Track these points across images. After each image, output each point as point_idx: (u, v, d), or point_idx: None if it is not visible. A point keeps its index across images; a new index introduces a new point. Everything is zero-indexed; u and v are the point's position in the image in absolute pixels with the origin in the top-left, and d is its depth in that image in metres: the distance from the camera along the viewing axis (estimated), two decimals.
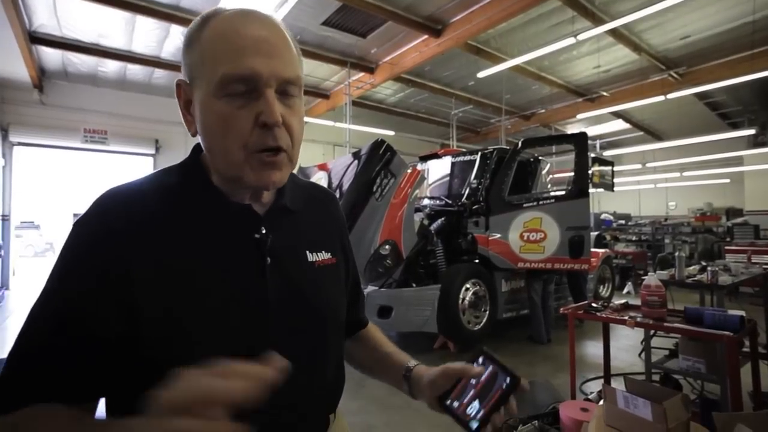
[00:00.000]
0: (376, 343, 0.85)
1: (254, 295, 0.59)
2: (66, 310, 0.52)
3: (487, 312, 4.35)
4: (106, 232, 0.54)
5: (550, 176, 5.74)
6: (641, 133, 12.75)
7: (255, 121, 0.55)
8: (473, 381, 0.61)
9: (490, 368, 0.60)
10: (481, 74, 7.40)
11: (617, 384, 2.91)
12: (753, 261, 5.08)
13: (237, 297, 0.58)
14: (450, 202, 4.96)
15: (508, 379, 0.57)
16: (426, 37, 6.78)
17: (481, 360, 0.62)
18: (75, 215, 12.68)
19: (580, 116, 9.97)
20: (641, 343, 3.53)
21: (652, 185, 16.40)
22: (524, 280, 4.79)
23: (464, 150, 5.85)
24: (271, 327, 0.60)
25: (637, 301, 2.47)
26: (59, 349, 0.51)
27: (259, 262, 0.61)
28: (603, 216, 12.16)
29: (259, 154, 0.56)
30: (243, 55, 0.54)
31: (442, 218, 4.74)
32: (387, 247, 3.81)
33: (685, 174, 14.22)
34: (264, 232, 0.62)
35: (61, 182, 21.47)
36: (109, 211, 0.56)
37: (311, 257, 0.68)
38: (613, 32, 6.59)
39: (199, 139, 0.61)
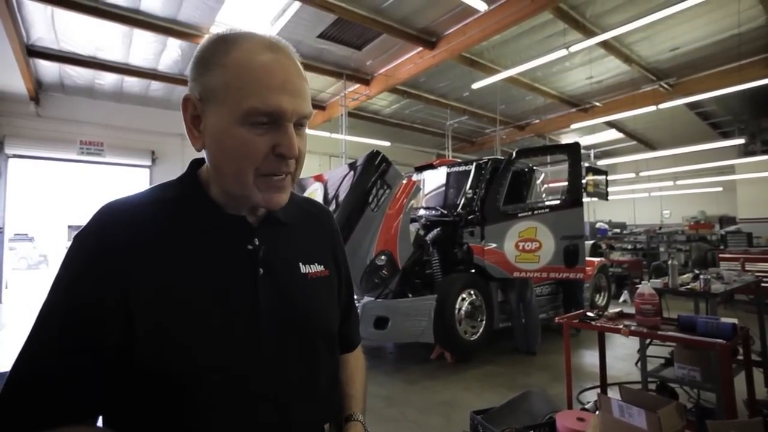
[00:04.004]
0: (345, 379, 0.81)
1: (246, 305, 0.60)
2: (68, 325, 0.53)
3: (484, 322, 4.35)
4: (105, 247, 0.56)
5: (545, 186, 5.78)
6: (634, 142, 12.89)
7: (271, 149, 0.59)
8: None
9: None
10: (475, 85, 7.49)
11: (614, 393, 2.90)
12: (746, 269, 5.11)
13: (228, 307, 0.59)
14: (445, 212, 4.97)
15: None
16: (421, 49, 6.86)
17: None
18: (70, 227, 12.58)
19: (573, 126, 10.09)
20: (638, 351, 3.53)
21: (646, 194, 16.52)
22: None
23: (459, 160, 5.89)
24: (262, 337, 0.61)
25: (633, 310, 2.49)
26: (65, 366, 0.52)
27: (252, 272, 0.62)
28: (598, 225, 12.25)
29: (268, 177, 0.60)
30: (272, 92, 0.57)
31: (438, 228, 4.75)
32: (383, 257, 3.80)
33: (679, 183, 14.35)
34: (257, 243, 0.64)
35: (56, 194, 21.32)
36: (108, 225, 0.58)
37: (304, 269, 0.70)
38: (604, 44, 6.71)
39: (203, 153, 0.64)
